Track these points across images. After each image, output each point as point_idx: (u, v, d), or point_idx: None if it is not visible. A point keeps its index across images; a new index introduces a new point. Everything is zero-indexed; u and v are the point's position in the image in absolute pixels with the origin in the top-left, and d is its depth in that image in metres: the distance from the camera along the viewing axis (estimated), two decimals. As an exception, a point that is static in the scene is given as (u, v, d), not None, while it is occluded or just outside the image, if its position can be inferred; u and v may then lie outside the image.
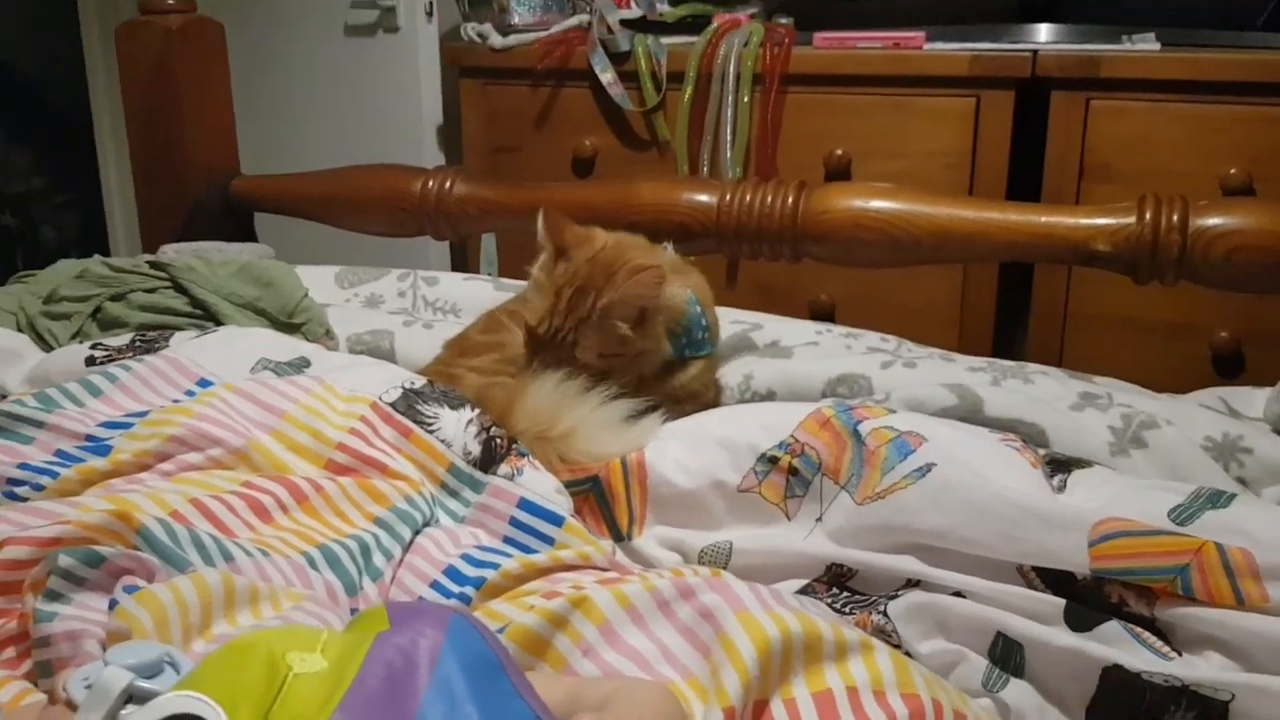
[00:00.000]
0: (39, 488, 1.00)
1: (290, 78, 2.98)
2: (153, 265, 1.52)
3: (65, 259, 1.58)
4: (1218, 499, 0.98)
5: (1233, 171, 1.99)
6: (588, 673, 0.77)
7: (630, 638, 0.80)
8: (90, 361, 1.28)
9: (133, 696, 0.57)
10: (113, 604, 0.78)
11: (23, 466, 1.03)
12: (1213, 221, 1.34)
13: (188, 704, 0.54)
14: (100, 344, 1.33)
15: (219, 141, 1.95)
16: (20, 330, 1.44)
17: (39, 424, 1.10)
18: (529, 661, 0.78)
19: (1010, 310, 2.22)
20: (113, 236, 3.56)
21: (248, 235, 1.95)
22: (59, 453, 1.07)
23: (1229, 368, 2.05)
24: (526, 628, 0.79)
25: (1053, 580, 0.93)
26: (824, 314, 2.25)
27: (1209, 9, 2.26)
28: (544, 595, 0.86)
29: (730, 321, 1.45)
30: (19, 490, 1.00)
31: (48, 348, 1.40)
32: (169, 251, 1.70)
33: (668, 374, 1.24)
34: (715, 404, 1.29)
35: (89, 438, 1.09)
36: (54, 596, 0.78)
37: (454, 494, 1.08)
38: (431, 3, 2.83)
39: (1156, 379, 1.39)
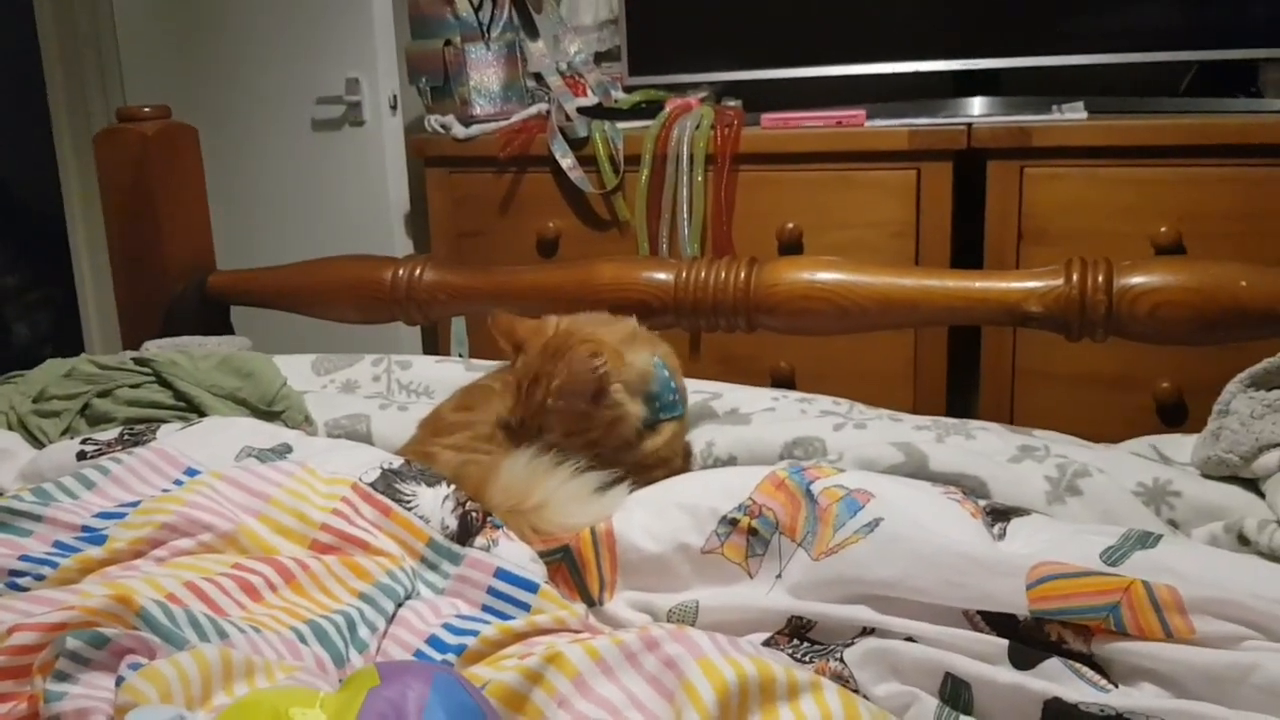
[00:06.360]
0: (40, 578, 1.05)
1: (262, 174, 3.04)
2: (137, 361, 1.56)
3: (52, 359, 1.62)
4: (1146, 540, 1.03)
5: (1163, 230, 2.08)
6: (563, 721, 0.82)
7: (601, 688, 0.85)
8: (81, 456, 1.33)
9: (152, 755, 0.63)
10: (119, 681, 0.82)
11: (24, 558, 1.08)
12: (1136, 280, 1.41)
13: (203, 757, 0.59)
14: (90, 439, 1.37)
15: (195, 239, 2.00)
16: (11, 429, 1.48)
17: (37, 517, 1.15)
18: (509, 716, 0.83)
19: (962, 370, 2.28)
20: (87, 333, 3.59)
21: (225, 328, 1.99)
22: (57, 544, 1.12)
23: (1173, 417, 2.11)
24: (505, 684, 0.84)
25: (996, 623, 0.98)
26: (784, 381, 2.31)
27: (1134, 77, 2.38)
28: (520, 658, 0.91)
29: (691, 391, 1.50)
30: (21, 581, 1.05)
31: (39, 445, 1.44)
32: (152, 347, 1.74)
33: (639, 440, 1.28)
34: (685, 470, 1.33)
35: (85, 528, 1.14)
36: (62, 677, 0.83)
37: (433, 567, 1.12)
38: (395, 96, 2.91)
39: (1104, 430, 1.45)
